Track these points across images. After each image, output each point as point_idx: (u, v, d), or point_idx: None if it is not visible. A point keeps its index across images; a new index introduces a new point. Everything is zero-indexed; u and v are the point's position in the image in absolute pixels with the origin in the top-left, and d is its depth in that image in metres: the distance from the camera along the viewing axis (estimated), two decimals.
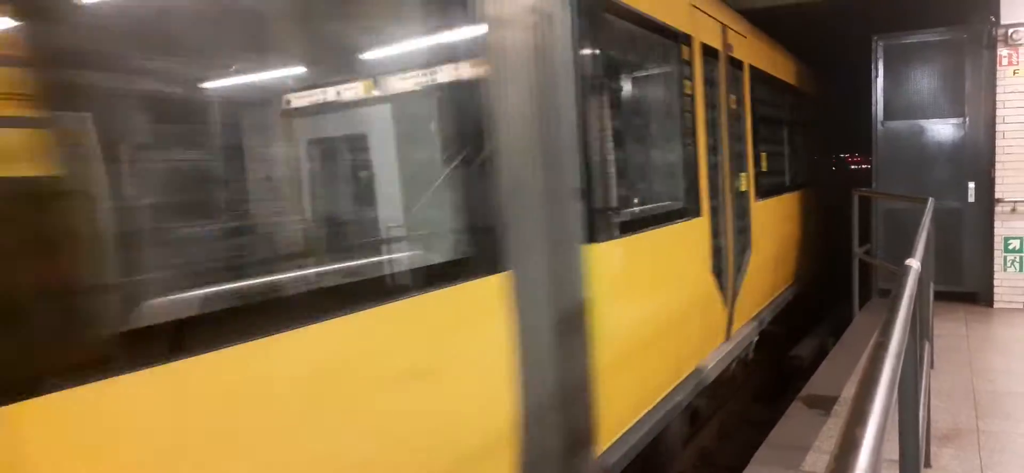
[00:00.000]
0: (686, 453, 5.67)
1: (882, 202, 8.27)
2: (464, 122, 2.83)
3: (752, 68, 6.81)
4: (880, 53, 8.13)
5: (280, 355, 2.06)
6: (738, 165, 6.22)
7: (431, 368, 2.57)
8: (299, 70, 2.57)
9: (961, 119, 7.86)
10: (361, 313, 2.28)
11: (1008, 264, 7.55)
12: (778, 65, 7.93)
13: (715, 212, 5.48)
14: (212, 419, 1.91)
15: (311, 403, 2.14)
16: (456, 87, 2.84)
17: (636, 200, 4.28)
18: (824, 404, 5.10)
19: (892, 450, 2.15)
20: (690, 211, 4.97)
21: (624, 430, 3.88)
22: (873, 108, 8.23)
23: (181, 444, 1.84)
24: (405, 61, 2.83)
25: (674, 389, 4.61)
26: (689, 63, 5.10)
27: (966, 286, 7.90)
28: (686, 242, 4.93)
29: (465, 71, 2.85)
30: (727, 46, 6.04)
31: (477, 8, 2.85)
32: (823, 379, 5.70)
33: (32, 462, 1.60)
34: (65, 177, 1.71)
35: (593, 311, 3.49)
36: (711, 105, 5.55)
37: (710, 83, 5.54)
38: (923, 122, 8.05)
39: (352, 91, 2.72)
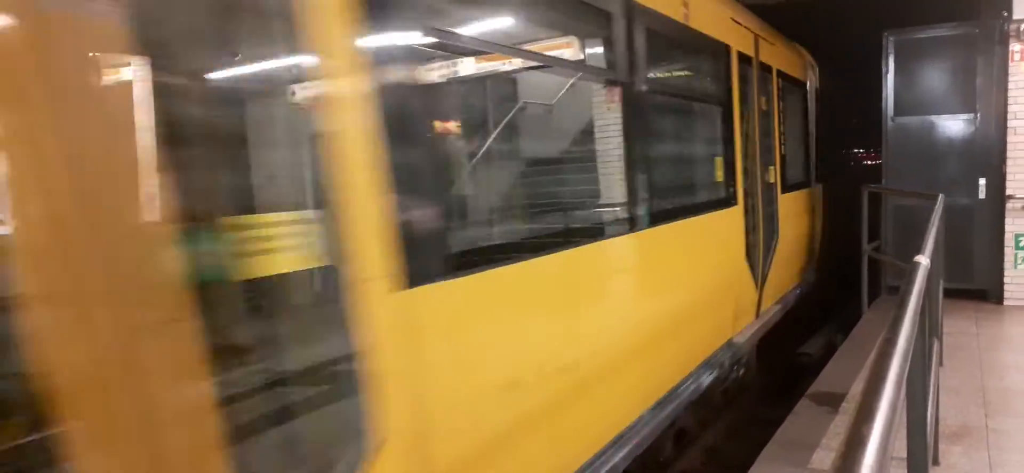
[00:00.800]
0: (694, 450, 5.73)
1: (892, 198, 8.23)
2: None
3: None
4: (890, 48, 8.08)
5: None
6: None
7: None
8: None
9: (972, 115, 7.80)
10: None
11: (1019, 261, 7.50)
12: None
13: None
14: None
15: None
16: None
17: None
18: (832, 401, 5.09)
19: (900, 448, 2.13)
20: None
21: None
22: (883, 104, 8.18)
23: None
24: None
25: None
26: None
27: (976, 283, 7.84)
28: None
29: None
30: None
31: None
32: (831, 376, 5.69)
33: None
34: None
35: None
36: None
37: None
38: (934, 118, 8.00)
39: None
